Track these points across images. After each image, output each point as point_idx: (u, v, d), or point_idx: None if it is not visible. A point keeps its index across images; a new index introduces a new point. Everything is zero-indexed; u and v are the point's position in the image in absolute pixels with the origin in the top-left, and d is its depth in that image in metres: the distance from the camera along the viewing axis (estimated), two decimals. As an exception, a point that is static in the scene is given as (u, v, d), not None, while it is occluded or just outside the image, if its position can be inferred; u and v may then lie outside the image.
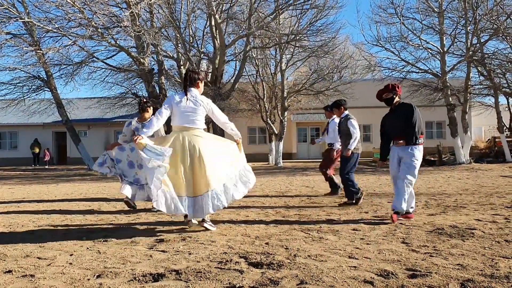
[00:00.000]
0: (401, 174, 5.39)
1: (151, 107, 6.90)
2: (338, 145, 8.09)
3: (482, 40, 19.23)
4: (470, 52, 18.64)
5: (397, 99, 5.62)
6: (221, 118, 5.14)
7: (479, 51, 19.40)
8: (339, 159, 8.34)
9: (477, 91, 22.04)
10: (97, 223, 5.65)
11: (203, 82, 5.22)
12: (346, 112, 7.44)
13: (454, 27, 19.73)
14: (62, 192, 10.51)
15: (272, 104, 25.04)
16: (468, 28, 18.73)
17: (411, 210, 5.54)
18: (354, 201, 7.00)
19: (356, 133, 7.17)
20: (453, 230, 4.69)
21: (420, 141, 5.38)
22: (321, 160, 9.24)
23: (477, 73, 21.00)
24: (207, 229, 4.88)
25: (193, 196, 4.69)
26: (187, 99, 4.90)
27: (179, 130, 4.90)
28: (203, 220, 4.90)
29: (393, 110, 5.64)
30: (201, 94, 5.08)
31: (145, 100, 6.90)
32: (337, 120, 8.35)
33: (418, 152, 5.38)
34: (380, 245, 4.07)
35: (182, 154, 4.73)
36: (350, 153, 7.10)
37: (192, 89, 5.01)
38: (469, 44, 18.80)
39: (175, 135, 4.87)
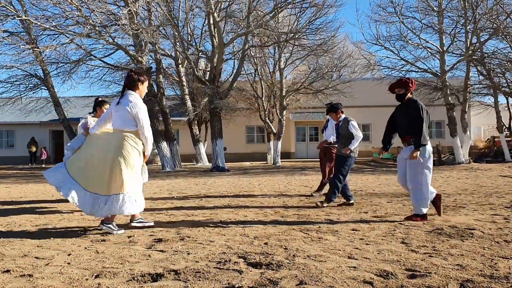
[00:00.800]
0: (409, 178, 5.36)
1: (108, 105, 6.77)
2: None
3: (481, 40, 19.24)
4: (470, 52, 18.64)
5: (409, 95, 5.49)
6: (139, 127, 4.85)
7: (478, 50, 19.41)
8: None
9: (476, 91, 22.06)
10: (95, 223, 5.62)
11: (145, 83, 5.03)
12: (343, 115, 7.30)
13: (454, 26, 19.74)
14: (60, 190, 10.47)
15: (271, 103, 25.03)
16: (468, 27, 18.73)
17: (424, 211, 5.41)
18: (352, 202, 6.94)
19: (360, 134, 7.06)
20: (453, 230, 4.69)
21: (425, 141, 5.31)
22: (319, 159, 9.07)
23: (476, 72, 21.02)
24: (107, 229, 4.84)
25: (101, 194, 4.71)
26: (118, 102, 4.86)
27: (113, 132, 4.96)
28: (131, 220, 5.09)
29: (402, 106, 5.53)
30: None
31: (100, 99, 6.66)
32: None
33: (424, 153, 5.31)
34: (379, 246, 4.06)
35: (102, 152, 4.83)
36: (349, 151, 7.00)
37: (130, 91, 4.90)
38: (468, 43, 18.80)
39: (107, 135, 4.99)
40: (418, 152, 5.26)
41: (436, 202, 5.64)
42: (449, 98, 19.89)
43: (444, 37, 19.67)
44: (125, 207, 4.67)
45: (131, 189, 4.76)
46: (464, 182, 10.73)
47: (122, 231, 4.87)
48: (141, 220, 5.19)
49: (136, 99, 4.85)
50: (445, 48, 19.62)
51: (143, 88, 5.01)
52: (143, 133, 4.84)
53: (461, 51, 19.91)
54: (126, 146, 4.78)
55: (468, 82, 20.20)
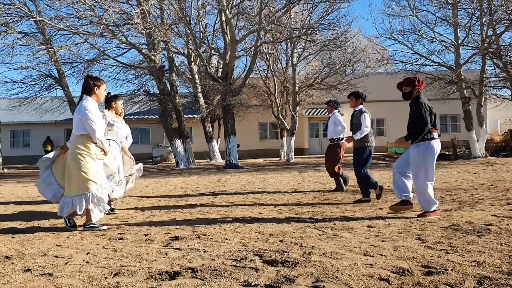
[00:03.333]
0: (413, 177, 5.39)
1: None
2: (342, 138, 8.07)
3: (497, 32, 18.94)
4: (486, 44, 18.37)
5: (415, 94, 5.41)
6: (88, 131, 4.95)
7: (494, 42, 19.11)
8: (343, 153, 8.32)
9: (492, 84, 21.70)
10: (112, 221, 5.70)
11: (101, 87, 5.14)
12: (361, 106, 7.18)
13: (469, 18, 19.43)
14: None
15: (284, 99, 24.98)
16: (483, 19, 18.44)
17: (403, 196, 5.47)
18: (369, 199, 6.89)
19: (366, 128, 6.97)
20: (469, 226, 4.65)
21: (429, 136, 5.24)
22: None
23: (492, 65, 20.68)
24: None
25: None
26: (73, 108, 5.04)
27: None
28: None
29: (410, 105, 5.46)
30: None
31: (112, 94, 6.61)
32: (338, 114, 8.34)
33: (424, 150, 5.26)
34: (395, 242, 4.05)
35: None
36: (351, 140, 7.00)
37: (86, 97, 5.02)
38: (484, 36, 18.52)
39: None
40: (403, 140, 5.38)
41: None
42: (465, 91, 19.63)
43: (459, 30, 19.39)
44: (82, 205, 4.89)
45: (91, 188, 4.91)
46: (481, 177, 10.60)
47: (105, 227, 5.11)
48: (92, 225, 5.06)
49: (88, 104, 4.95)
50: (460, 41, 19.35)
51: (100, 92, 5.14)
52: (93, 137, 4.94)
53: (476, 43, 19.61)
54: (77, 150, 4.93)
55: (484, 75, 19.89)
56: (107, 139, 5.91)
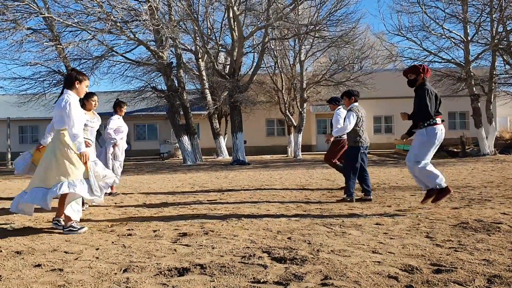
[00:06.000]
0: (414, 156, 5.42)
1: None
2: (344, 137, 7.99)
3: (508, 28, 18.74)
4: (496, 41, 18.20)
5: (420, 81, 5.45)
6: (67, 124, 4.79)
7: (505, 39, 18.92)
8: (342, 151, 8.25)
9: (502, 81, 21.52)
10: (120, 217, 5.73)
11: (84, 82, 4.97)
12: (356, 103, 7.03)
13: (479, 15, 19.25)
14: (85, 185, 10.67)
15: (291, 96, 24.95)
16: (494, 15, 18.27)
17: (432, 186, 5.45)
18: (370, 198, 6.75)
19: (340, 125, 7.02)
20: (478, 224, 4.62)
21: (432, 121, 5.31)
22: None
23: (502, 62, 20.49)
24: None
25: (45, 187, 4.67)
26: (55, 102, 4.93)
27: None
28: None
29: (415, 92, 5.48)
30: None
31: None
32: (340, 111, 8.23)
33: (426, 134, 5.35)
34: (403, 240, 4.03)
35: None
36: (332, 138, 6.97)
37: (67, 90, 4.88)
38: (494, 32, 18.35)
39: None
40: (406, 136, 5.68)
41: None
42: (474, 88, 19.49)
43: (468, 26, 19.22)
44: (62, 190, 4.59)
45: (73, 176, 4.67)
46: (490, 175, 10.52)
47: (85, 228, 4.84)
48: (71, 229, 4.78)
49: (68, 97, 4.81)
50: (469, 38, 19.18)
51: (81, 87, 4.97)
52: (70, 131, 4.75)
53: (486, 40, 19.44)
54: (56, 143, 4.81)
55: (494, 72, 19.73)
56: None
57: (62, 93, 4.94)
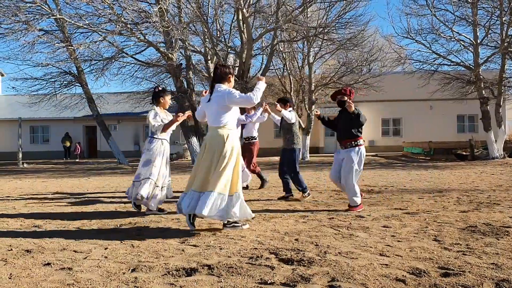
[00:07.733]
0: (343, 176, 5.99)
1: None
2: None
3: (518, 31, 18.60)
4: (505, 44, 18.06)
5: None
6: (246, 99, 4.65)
7: (514, 42, 18.77)
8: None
9: (512, 84, 21.37)
10: (129, 217, 5.77)
11: (234, 76, 4.95)
12: (290, 109, 7.63)
13: (489, 18, 19.10)
14: (93, 185, 10.77)
15: (299, 98, 24.91)
16: (504, 18, 18.13)
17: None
18: (289, 195, 7.40)
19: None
20: (487, 228, 4.60)
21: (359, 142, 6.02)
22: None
23: (512, 65, 20.36)
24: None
25: (198, 191, 4.55)
26: (209, 98, 4.82)
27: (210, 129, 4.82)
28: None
29: (344, 112, 6.06)
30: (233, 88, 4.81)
31: (160, 88, 6.37)
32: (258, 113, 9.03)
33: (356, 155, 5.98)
34: (411, 243, 4.03)
35: (203, 152, 4.73)
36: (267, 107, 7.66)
37: (221, 85, 4.77)
38: (504, 35, 18.20)
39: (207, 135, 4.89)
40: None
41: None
42: (483, 91, 19.34)
43: (478, 29, 19.09)
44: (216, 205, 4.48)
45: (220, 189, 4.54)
46: (499, 178, 10.44)
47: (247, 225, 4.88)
48: (235, 225, 4.79)
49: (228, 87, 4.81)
50: (479, 41, 19.05)
51: (232, 80, 4.92)
52: (250, 103, 4.70)
53: (496, 43, 19.29)
54: (227, 145, 4.67)
55: (503, 75, 19.58)
56: (160, 138, 5.99)
57: (211, 88, 4.79)
